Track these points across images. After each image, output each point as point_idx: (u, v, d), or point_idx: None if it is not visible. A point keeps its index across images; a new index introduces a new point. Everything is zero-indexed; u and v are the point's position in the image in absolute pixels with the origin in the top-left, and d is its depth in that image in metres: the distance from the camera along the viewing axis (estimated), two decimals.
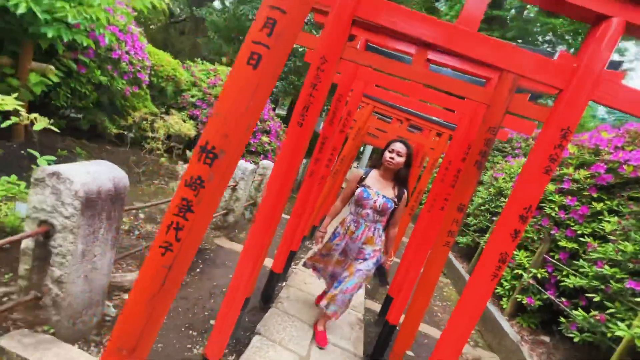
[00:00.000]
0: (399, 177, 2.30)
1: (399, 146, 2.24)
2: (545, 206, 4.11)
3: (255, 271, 1.94)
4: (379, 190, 2.28)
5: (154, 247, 0.89)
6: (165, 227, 0.87)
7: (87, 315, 1.93)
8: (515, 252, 4.37)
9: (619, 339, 2.46)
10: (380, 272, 2.44)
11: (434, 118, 3.87)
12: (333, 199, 5.60)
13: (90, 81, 4.34)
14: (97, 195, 1.70)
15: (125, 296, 2.55)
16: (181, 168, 4.57)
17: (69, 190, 1.59)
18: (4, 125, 2.26)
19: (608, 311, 2.65)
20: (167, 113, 6.13)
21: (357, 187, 2.32)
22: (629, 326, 2.39)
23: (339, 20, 1.42)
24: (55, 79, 3.67)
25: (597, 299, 2.87)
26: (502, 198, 5.51)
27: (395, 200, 2.28)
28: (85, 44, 3.43)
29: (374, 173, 2.35)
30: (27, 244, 1.68)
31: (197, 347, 2.13)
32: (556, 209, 3.99)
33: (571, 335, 3.01)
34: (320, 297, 2.73)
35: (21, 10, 2.54)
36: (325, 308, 2.34)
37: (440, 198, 2.36)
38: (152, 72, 6.05)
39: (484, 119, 1.92)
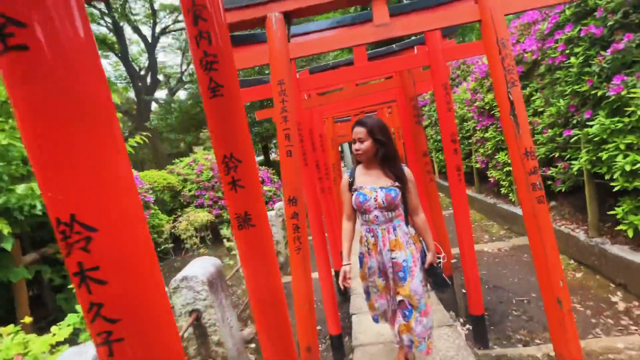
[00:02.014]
0: (384, 158, 1.85)
1: (356, 131, 1.83)
2: (495, 112, 5.03)
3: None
4: (373, 184, 1.86)
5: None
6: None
7: None
8: (498, 156, 5.27)
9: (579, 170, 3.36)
10: (432, 273, 1.94)
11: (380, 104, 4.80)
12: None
13: None
14: (212, 278, 2.53)
15: (251, 345, 3.33)
16: (228, 244, 5.38)
17: (198, 282, 2.42)
18: None
19: (566, 159, 3.54)
20: (177, 217, 6.99)
21: (352, 194, 1.90)
22: (576, 159, 3.28)
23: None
24: None
25: (557, 155, 3.75)
26: (465, 123, 6.44)
27: (397, 185, 1.83)
28: None
29: (359, 169, 1.94)
30: (188, 332, 2.48)
31: None
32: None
33: (560, 188, 3.87)
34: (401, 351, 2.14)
35: None
36: (405, 344, 1.90)
37: (409, 152, 3.23)
38: (151, 190, 6.94)
39: (405, 93, 2.82)
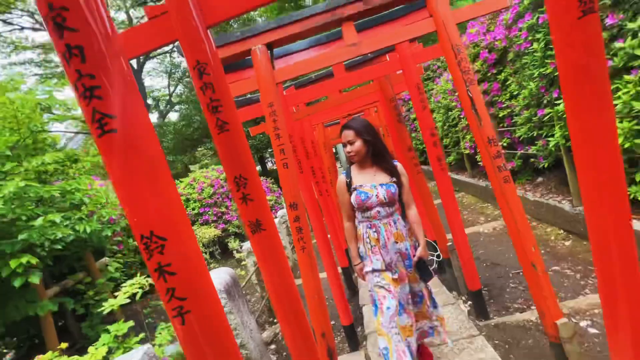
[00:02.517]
0: (375, 156, 1.91)
1: (345, 135, 1.89)
2: None
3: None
4: (372, 182, 1.89)
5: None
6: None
7: None
8: None
9: (556, 146, 3.59)
10: (420, 267, 1.97)
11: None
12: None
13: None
14: (228, 286, 2.74)
15: (271, 347, 3.53)
16: (238, 256, 5.57)
17: (218, 290, 2.62)
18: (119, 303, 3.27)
19: (544, 136, 3.78)
20: None
21: (350, 194, 1.93)
22: (552, 136, 3.52)
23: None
24: (115, 265, 4.72)
25: (535, 133, 4.00)
26: (450, 112, 6.69)
27: (394, 180, 1.89)
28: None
29: (354, 169, 1.98)
30: None
31: None
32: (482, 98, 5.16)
33: (543, 164, 4.10)
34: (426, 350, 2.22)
35: (87, 231, 3.61)
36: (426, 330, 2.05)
37: (396, 148, 3.46)
38: None
39: (384, 96, 3.06)
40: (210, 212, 7.63)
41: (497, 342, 2.36)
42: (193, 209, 7.77)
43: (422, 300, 2.05)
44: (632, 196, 2.77)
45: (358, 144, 1.89)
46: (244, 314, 2.87)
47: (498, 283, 3.29)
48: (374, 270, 1.93)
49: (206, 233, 6.45)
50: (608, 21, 2.65)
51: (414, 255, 1.94)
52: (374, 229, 1.92)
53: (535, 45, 3.39)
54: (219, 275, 2.82)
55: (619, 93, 2.62)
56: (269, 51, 1.83)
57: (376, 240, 1.92)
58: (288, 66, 1.99)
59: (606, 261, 0.99)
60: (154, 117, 19.43)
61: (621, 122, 2.66)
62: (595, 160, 0.91)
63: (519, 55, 3.96)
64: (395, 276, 1.93)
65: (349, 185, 1.97)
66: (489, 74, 4.97)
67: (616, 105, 2.64)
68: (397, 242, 1.92)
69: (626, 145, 2.61)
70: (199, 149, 13.29)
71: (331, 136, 7.00)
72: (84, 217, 3.69)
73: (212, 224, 7.39)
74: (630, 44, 2.52)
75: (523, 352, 2.19)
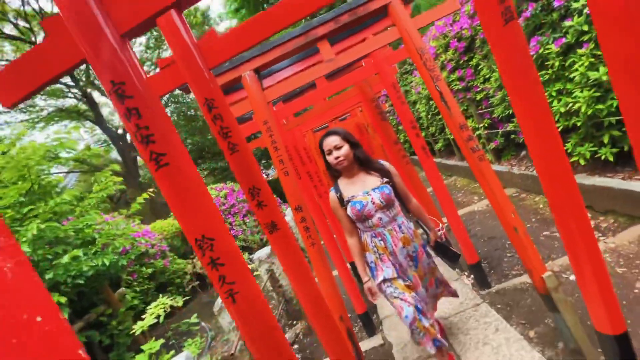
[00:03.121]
0: (362, 162, 1.85)
1: (331, 141, 1.80)
2: (451, 86, 5.56)
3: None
4: (363, 189, 1.82)
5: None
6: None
7: None
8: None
9: None
10: (440, 249, 1.97)
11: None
12: None
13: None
14: None
15: (294, 347, 3.72)
16: (251, 266, 5.78)
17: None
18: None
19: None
20: (192, 257, 7.37)
21: (345, 208, 1.85)
22: None
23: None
24: (132, 294, 4.89)
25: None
26: (431, 101, 6.98)
27: (387, 180, 1.84)
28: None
29: (342, 182, 1.90)
30: (240, 345, 2.87)
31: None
32: (459, 85, 5.44)
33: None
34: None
35: (106, 264, 3.78)
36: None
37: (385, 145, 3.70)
38: (164, 239, 7.31)
39: (366, 98, 3.30)
40: None
41: (499, 306, 2.59)
42: None
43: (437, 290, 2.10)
44: (603, 157, 3.03)
45: (346, 148, 1.81)
46: None
47: (496, 254, 3.52)
48: (385, 280, 1.85)
49: None
50: (555, 3, 2.92)
51: (423, 253, 1.90)
52: (379, 238, 1.85)
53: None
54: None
55: (576, 66, 2.89)
56: (256, 75, 2.06)
57: (384, 248, 1.85)
58: (276, 85, 2.23)
59: (566, 224, 1.22)
60: None
61: (582, 91, 2.92)
62: (538, 133, 1.15)
63: (484, 41, 4.23)
64: (408, 282, 1.88)
65: (340, 199, 1.87)
66: (462, 61, 5.25)
67: (574, 77, 2.90)
68: (404, 247, 1.85)
69: (589, 112, 2.87)
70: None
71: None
72: (99, 251, 3.86)
73: None
74: (577, 21, 2.79)
75: (522, 310, 2.42)
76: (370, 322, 3.15)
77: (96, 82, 15.88)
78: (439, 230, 2.03)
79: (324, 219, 3.09)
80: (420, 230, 2.05)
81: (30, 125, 14.30)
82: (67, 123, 18.02)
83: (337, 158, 1.82)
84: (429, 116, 7.49)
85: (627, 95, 0.69)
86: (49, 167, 3.74)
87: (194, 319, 3.58)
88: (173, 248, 7.73)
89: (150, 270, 5.64)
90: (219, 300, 2.82)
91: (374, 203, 1.80)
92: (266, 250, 4.19)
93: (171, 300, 3.52)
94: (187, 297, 6.33)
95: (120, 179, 5.15)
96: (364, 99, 3.28)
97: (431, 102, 7.09)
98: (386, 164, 1.93)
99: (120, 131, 17.71)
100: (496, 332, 2.28)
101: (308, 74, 2.11)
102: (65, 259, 3.04)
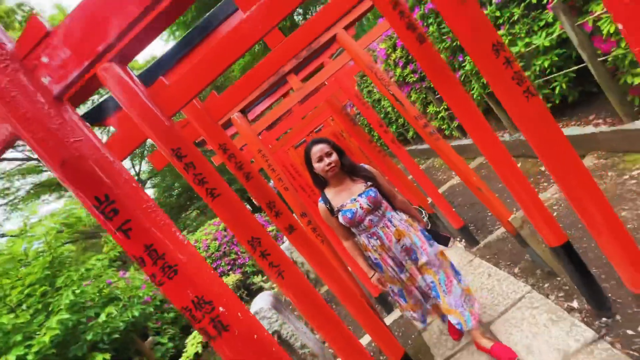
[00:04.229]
0: (348, 169, 1.91)
1: (320, 149, 1.83)
2: (407, 79, 6.13)
3: None
4: (351, 197, 1.87)
5: None
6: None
7: None
8: (429, 109, 6.34)
9: (480, 95, 4.39)
10: (435, 236, 2.03)
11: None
12: None
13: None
14: (274, 304, 3.26)
15: (325, 344, 4.03)
16: (267, 285, 6.03)
17: (267, 310, 3.15)
18: None
19: (469, 92, 4.61)
20: None
21: (336, 217, 1.90)
22: (472, 89, 4.33)
23: None
24: (165, 339, 5.09)
25: None
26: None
27: (370, 184, 1.91)
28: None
29: (329, 192, 1.93)
30: None
31: None
32: (414, 77, 6.01)
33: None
34: (452, 328, 2.26)
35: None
36: (454, 324, 1.95)
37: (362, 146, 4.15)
38: None
39: (335, 110, 3.75)
40: (222, 264, 8.02)
41: (488, 257, 3.02)
42: None
43: (438, 293, 1.95)
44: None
45: (335, 155, 1.85)
46: (295, 321, 3.39)
47: (479, 217, 3.99)
48: (392, 271, 1.96)
49: (229, 281, 6.87)
50: None
51: (425, 242, 1.94)
52: (374, 237, 1.91)
53: (431, 28, 4.23)
54: (264, 299, 3.34)
55: None
56: (243, 114, 2.47)
57: (381, 246, 1.92)
58: (262, 119, 2.64)
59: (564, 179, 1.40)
60: None
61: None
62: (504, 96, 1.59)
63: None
64: (407, 275, 1.97)
65: (330, 209, 1.90)
66: (410, 56, 5.83)
67: None
68: (399, 240, 1.90)
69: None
70: (188, 212, 13.65)
71: (302, 154, 7.73)
72: (127, 303, 4.11)
73: (229, 273, 7.78)
74: (490, 9, 3.36)
75: (506, 255, 2.86)
76: (386, 302, 3.53)
77: None
78: (424, 217, 2.13)
79: (323, 222, 3.49)
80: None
81: (11, 208, 14.12)
82: (47, 197, 17.84)
83: (328, 164, 1.83)
84: (395, 110, 8.07)
85: None
86: (62, 240, 3.99)
87: None
88: None
89: (172, 315, 5.83)
90: None
91: (362, 208, 1.84)
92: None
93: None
94: None
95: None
96: (334, 112, 3.74)
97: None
98: (368, 167, 2.00)
99: None
100: (489, 278, 2.71)
101: (284, 105, 2.54)
102: (102, 317, 3.29)
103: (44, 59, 0.66)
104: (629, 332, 1.71)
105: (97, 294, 4.15)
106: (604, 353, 1.67)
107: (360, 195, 1.87)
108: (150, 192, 19.76)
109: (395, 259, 1.95)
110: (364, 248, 1.98)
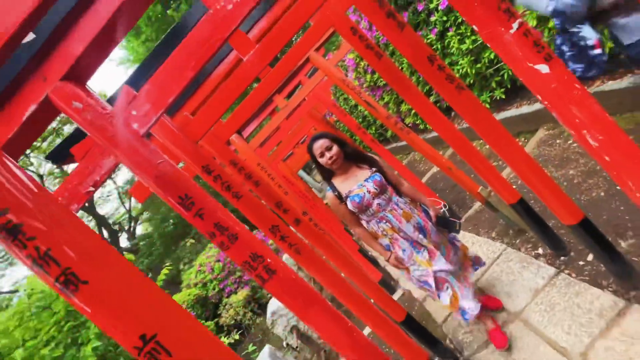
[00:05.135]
0: (352, 157, 1.98)
1: (321, 144, 1.90)
2: (378, 83, 6.64)
3: None
4: (358, 183, 1.94)
5: None
6: None
7: None
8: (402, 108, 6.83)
9: None
10: (442, 223, 2.06)
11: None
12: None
13: None
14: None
15: None
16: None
17: (283, 308, 3.45)
18: None
19: None
20: (219, 315, 7.76)
21: (345, 204, 1.95)
22: None
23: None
24: None
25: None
26: None
27: (375, 169, 1.97)
28: None
29: (337, 180, 2.00)
30: (299, 343, 3.47)
31: None
32: (384, 81, 6.51)
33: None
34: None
35: None
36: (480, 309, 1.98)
37: None
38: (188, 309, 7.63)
39: (317, 121, 4.16)
40: (229, 283, 8.21)
41: (470, 228, 3.43)
42: (214, 289, 8.31)
43: (456, 283, 2.02)
44: (497, 98, 4.06)
45: (336, 147, 1.91)
46: None
47: (460, 197, 4.42)
48: (405, 253, 1.96)
49: (238, 298, 7.08)
50: (419, 7, 3.99)
51: (427, 221, 1.98)
52: (384, 221, 1.95)
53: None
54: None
55: (451, 44, 3.94)
56: (239, 134, 2.84)
57: (391, 229, 1.95)
58: (256, 137, 3.01)
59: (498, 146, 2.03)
60: (123, 239, 19.32)
61: (462, 59, 3.97)
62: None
63: (387, 44, 5.33)
64: (426, 254, 1.96)
65: (339, 197, 1.96)
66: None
67: (453, 51, 3.95)
68: (408, 221, 1.94)
69: (473, 71, 3.91)
70: (184, 240, 13.75)
71: (291, 165, 8.07)
72: None
73: (237, 291, 7.97)
74: (438, 15, 3.87)
75: (484, 224, 3.27)
76: (389, 286, 3.88)
77: None
78: (440, 208, 2.14)
79: (326, 219, 3.92)
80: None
81: (6, 265, 13.90)
82: None
83: (330, 158, 1.90)
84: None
85: None
86: None
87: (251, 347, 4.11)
88: (198, 316, 8.03)
89: None
90: (268, 315, 3.42)
91: (369, 192, 1.90)
92: None
93: (227, 338, 4.05)
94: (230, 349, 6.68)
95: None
96: (316, 122, 4.15)
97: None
98: (372, 155, 2.09)
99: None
100: (472, 245, 3.11)
101: (274, 122, 2.93)
102: None
103: (133, 112, 1.03)
104: (580, 262, 2.12)
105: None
106: (563, 282, 2.07)
107: (366, 180, 1.93)
108: (146, 226, 19.67)
109: (409, 239, 1.96)
110: (374, 235, 2.01)
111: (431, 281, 1.95)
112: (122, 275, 0.58)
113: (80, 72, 0.95)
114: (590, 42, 1.35)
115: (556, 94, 1.01)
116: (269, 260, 1.03)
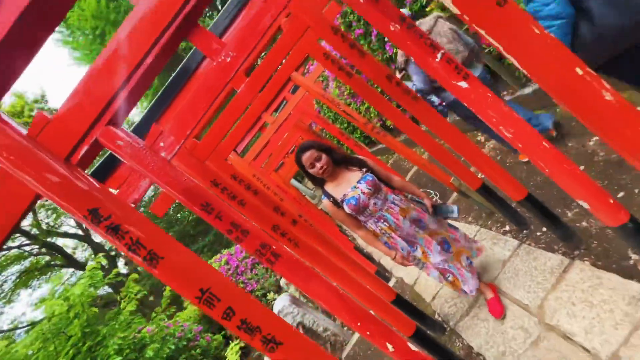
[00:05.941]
0: (341, 162, 2.03)
1: (309, 156, 1.93)
2: None
3: None
4: (351, 186, 1.97)
5: None
6: None
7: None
8: None
9: None
10: (438, 212, 2.14)
11: None
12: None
13: None
14: (292, 300, 3.86)
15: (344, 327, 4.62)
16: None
17: (287, 306, 3.73)
18: None
19: None
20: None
21: (341, 207, 1.99)
22: None
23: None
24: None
25: None
26: (351, 106, 8.48)
27: (365, 170, 2.01)
28: None
29: (329, 186, 2.03)
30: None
31: None
32: None
33: None
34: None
35: None
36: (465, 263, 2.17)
37: None
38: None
39: (304, 130, 4.51)
40: None
41: None
42: None
43: (449, 245, 2.16)
44: None
45: (324, 157, 1.94)
46: (313, 311, 3.99)
47: (440, 189, 4.80)
48: (404, 250, 2.04)
49: None
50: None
51: (423, 213, 2.08)
52: (381, 221, 1.99)
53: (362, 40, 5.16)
54: (283, 299, 3.93)
55: None
56: (235, 152, 3.16)
57: (389, 228, 2.00)
58: (250, 152, 3.34)
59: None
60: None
61: None
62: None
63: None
64: (419, 251, 2.06)
65: (335, 202, 2.00)
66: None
67: None
68: (405, 217, 2.00)
69: None
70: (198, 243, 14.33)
71: (283, 175, 8.40)
72: (167, 337, 4.56)
73: None
74: None
75: (462, 211, 3.61)
76: (383, 276, 4.20)
77: (51, 228, 15.77)
78: (432, 198, 2.21)
79: (324, 221, 4.25)
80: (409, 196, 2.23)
81: (4, 302, 13.78)
82: (34, 282, 17.38)
83: (321, 168, 1.94)
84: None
85: None
86: (91, 299, 4.43)
87: None
88: (204, 330, 8.19)
89: (199, 351, 6.19)
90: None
91: (364, 193, 1.94)
92: None
93: (238, 342, 4.30)
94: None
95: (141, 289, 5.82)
96: (302, 132, 4.49)
97: (351, 106, 8.58)
98: (360, 156, 2.18)
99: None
100: None
101: (264, 137, 3.26)
102: (150, 353, 3.76)
103: (161, 144, 1.35)
104: (538, 233, 2.49)
105: (132, 340, 4.57)
106: (524, 251, 2.43)
107: (359, 182, 1.96)
108: None
109: (405, 238, 2.02)
110: (374, 235, 2.05)
111: (435, 273, 2.11)
112: (182, 252, 0.89)
113: (117, 119, 1.27)
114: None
115: (476, 101, 1.37)
116: (274, 247, 1.35)
